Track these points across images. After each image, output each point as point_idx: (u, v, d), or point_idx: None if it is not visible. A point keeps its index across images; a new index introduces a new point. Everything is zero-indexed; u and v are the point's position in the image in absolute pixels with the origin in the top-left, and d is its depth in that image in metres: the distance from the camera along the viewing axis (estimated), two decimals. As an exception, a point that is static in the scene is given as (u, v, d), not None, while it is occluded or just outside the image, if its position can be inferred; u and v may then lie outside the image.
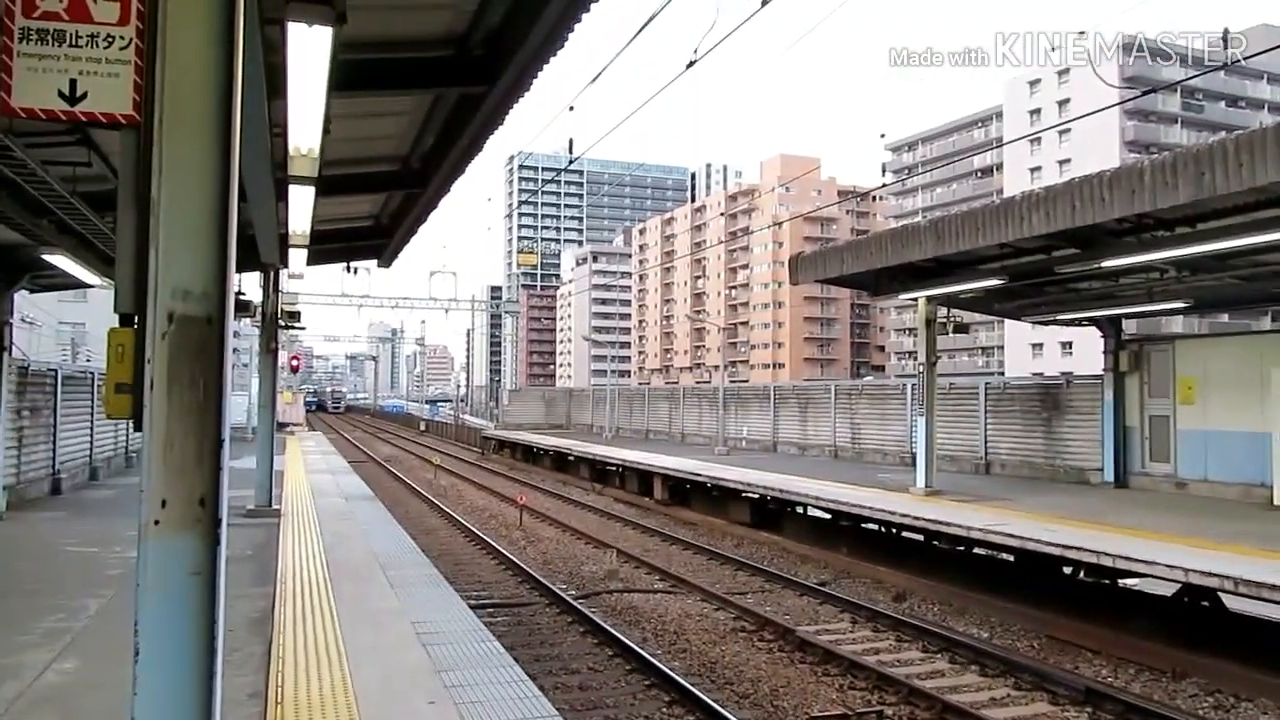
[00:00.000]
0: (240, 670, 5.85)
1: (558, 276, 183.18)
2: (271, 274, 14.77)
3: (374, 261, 17.90)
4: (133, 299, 3.01)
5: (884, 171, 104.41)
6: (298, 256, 13.24)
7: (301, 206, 9.50)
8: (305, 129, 6.95)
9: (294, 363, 49.64)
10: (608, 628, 10.54)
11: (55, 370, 16.15)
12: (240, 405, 33.30)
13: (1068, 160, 72.85)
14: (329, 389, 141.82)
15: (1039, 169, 76.46)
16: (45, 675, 5.77)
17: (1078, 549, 10.32)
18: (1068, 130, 71.97)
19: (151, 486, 2.67)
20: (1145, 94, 62.01)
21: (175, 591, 2.66)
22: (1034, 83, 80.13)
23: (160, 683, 2.64)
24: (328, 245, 14.60)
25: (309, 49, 5.25)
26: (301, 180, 8.32)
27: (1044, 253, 12.79)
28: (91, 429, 17.64)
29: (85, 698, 5.42)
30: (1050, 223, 11.05)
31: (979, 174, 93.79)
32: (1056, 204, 10.94)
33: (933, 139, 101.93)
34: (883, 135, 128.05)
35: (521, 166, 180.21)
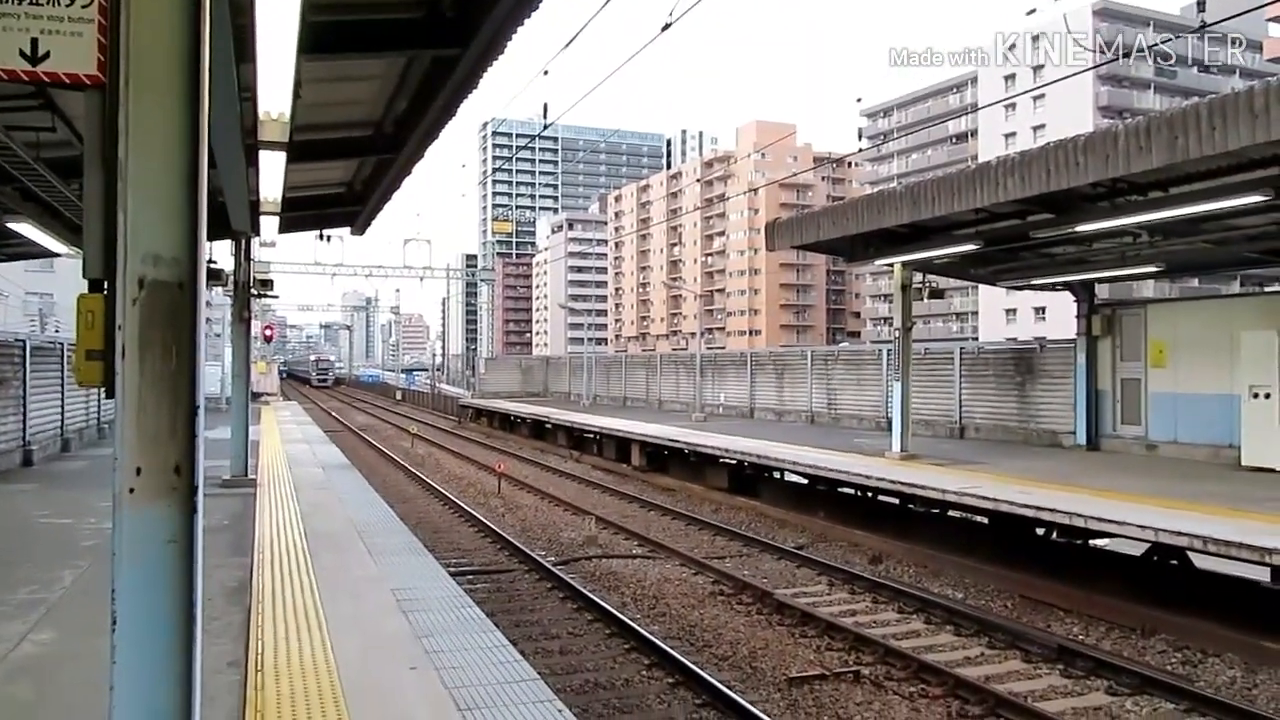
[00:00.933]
0: (219, 639, 5.84)
1: (533, 244, 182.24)
2: (243, 242, 14.57)
3: (347, 229, 17.69)
4: (101, 264, 2.95)
5: (860, 137, 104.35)
6: (269, 224, 13.08)
7: (273, 172, 9.37)
8: (275, 93, 6.85)
9: (267, 332, 49.19)
10: (587, 593, 10.61)
11: (23, 341, 15.90)
12: (214, 375, 32.98)
13: (1042, 126, 73.04)
14: (312, 357, 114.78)
15: (1013, 134, 76.60)
16: (21, 646, 5.73)
17: (1050, 510, 10.47)
18: (1042, 96, 72.07)
19: (125, 454, 2.63)
20: (1118, 59, 62.19)
21: (152, 560, 2.64)
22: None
23: (139, 651, 2.62)
24: (300, 212, 14.41)
25: (277, 10, 5.15)
26: (272, 145, 8.21)
27: (1019, 217, 12.85)
28: (62, 400, 17.42)
29: (62, 668, 5.39)
30: (1025, 187, 11.10)
31: (954, 140, 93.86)
32: (1031, 169, 10.98)
33: (908, 104, 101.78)
34: (859, 100, 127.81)
35: (496, 133, 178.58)
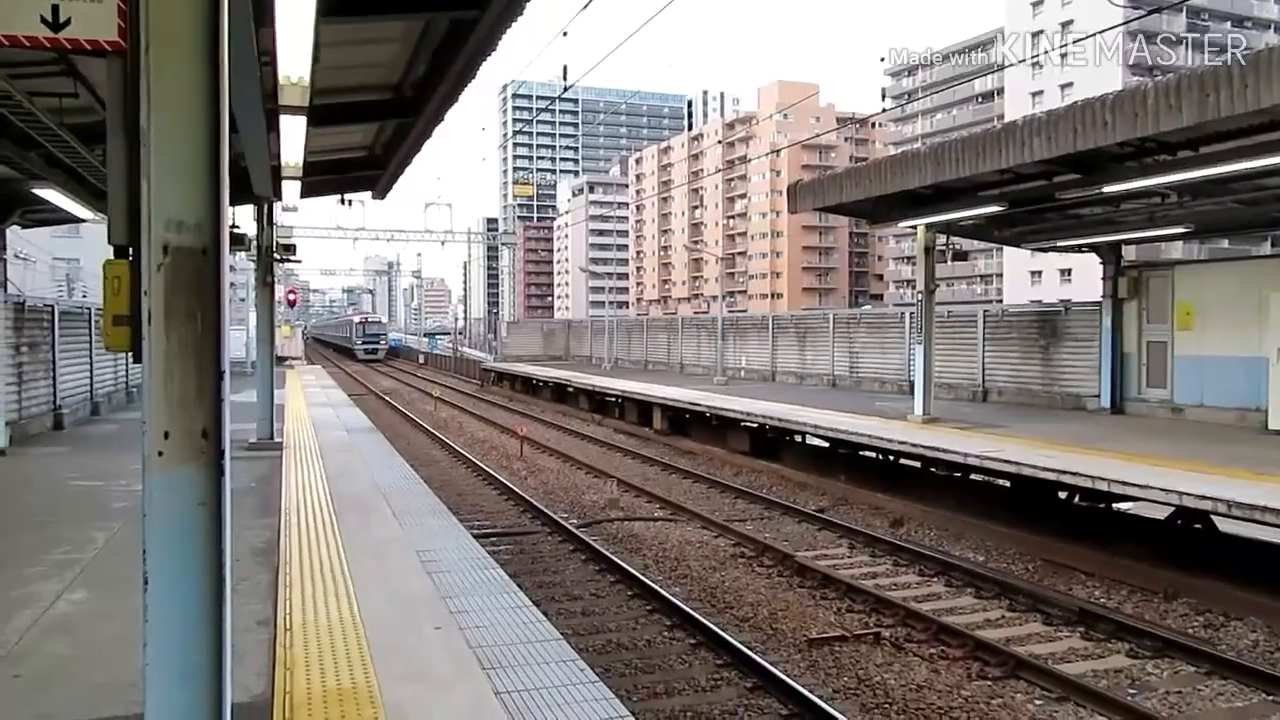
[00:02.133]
0: (248, 599, 5.94)
1: (554, 207, 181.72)
2: (265, 207, 14.61)
3: (368, 193, 17.71)
4: (126, 230, 2.98)
5: (884, 97, 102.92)
6: (291, 188, 13.09)
7: (293, 137, 9.37)
8: (295, 57, 6.82)
9: (290, 296, 49.45)
10: (609, 555, 10.70)
11: (52, 306, 16.09)
12: (238, 340, 33.25)
13: (1070, 84, 71.74)
14: (355, 317, 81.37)
15: (1040, 93, 75.33)
16: (56, 605, 5.86)
17: (1073, 474, 10.43)
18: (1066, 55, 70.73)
19: (153, 419, 2.67)
20: (1149, 14, 60.89)
21: (182, 521, 2.69)
22: (1036, 3, 78.57)
23: (171, 609, 2.68)
24: (321, 177, 14.43)
25: (296, -27, 5.12)
26: (292, 110, 8.19)
27: (1045, 178, 12.68)
28: (91, 364, 17.65)
29: (96, 626, 5.52)
30: (1052, 147, 10.93)
31: (979, 99, 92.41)
32: (1058, 128, 10.81)
33: (933, 63, 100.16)
34: (882, 59, 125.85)
35: (515, 95, 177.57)
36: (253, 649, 5.06)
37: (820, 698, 6.62)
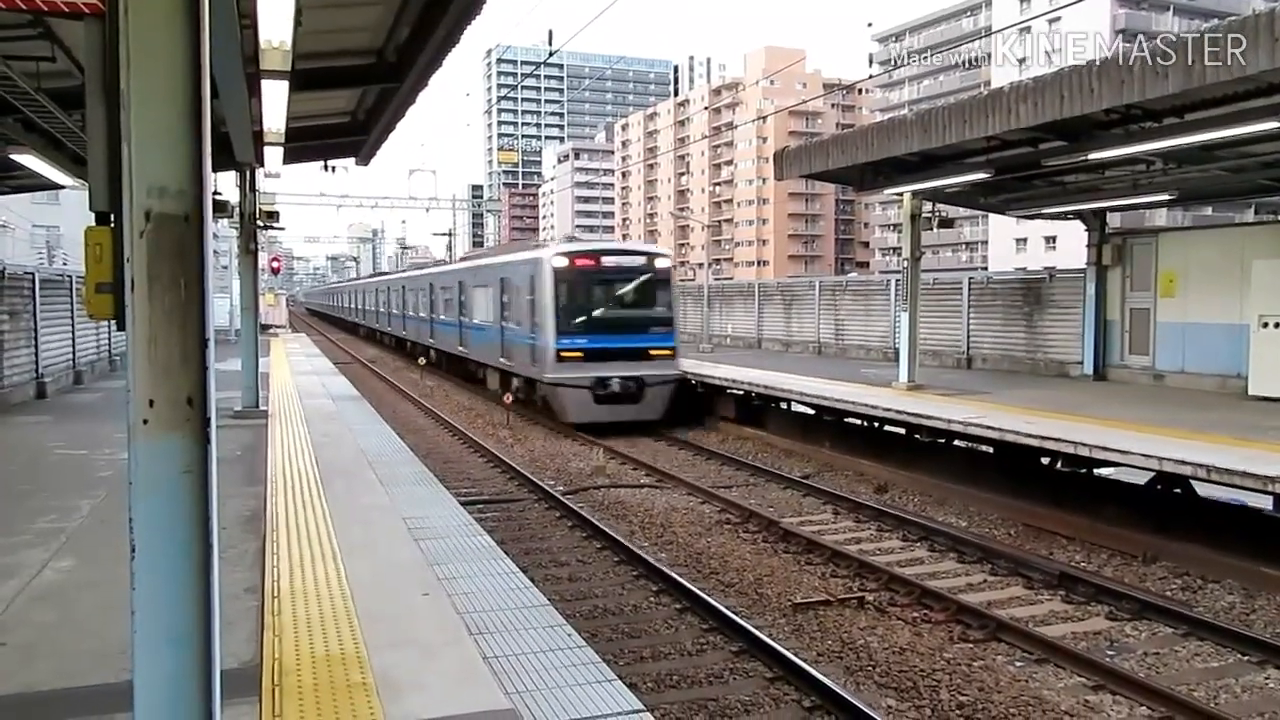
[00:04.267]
0: (235, 566, 5.96)
1: (539, 174, 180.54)
2: (248, 173, 14.46)
3: (352, 159, 17.53)
4: (107, 197, 2.95)
5: (870, 63, 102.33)
6: (273, 155, 12.95)
7: (275, 102, 9.26)
8: (276, 20, 6.72)
9: (274, 264, 49.04)
10: (596, 522, 10.76)
11: (32, 273, 15.92)
12: (222, 307, 33.00)
13: (1057, 50, 71.48)
14: (551, 258, 18.34)
15: (1026, 59, 75.08)
16: (43, 574, 5.86)
17: (1055, 439, 10.53)
18: (1057, 19, 70.41)
19: (138, 386, 2.66)
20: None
21: (168, 490, 2.68)
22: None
23: (159, 577, 2.68)
24: (304, 143, 14.28)
25: (276, -66, 5.04)
26: (274, 74, 8.09)
27: (1031, 145, 12.67)
28: (73, 333, 17.51)
29: (83, 594, 5.52)
30: (1038, 114, 10.91)
31: (966, 65, 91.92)
32: (1044, 95, 10.78)
33: (921, 29, 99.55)
34: (869, 25, 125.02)
35: (500, 60, 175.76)
36: (241, 616, 5.08)
37: (805, 661, 6.71)
